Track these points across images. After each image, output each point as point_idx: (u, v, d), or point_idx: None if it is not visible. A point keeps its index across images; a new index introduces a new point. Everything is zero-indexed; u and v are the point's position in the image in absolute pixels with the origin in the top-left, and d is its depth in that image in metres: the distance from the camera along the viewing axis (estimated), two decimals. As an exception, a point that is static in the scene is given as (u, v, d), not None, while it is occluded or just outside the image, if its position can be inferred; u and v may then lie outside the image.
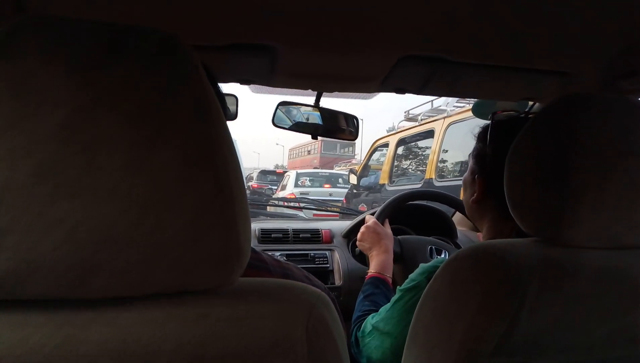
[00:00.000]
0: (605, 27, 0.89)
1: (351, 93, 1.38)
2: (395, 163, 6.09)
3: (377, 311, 1.07)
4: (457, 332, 0.57)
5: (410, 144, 5.99)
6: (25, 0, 0.76)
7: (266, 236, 1.73)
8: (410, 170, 6.01)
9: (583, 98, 0.62)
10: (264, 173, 15.68)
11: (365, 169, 7.02)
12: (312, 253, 1.69)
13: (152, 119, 0.37)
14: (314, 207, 3.29)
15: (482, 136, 0.95)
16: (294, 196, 8.55)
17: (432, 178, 4.74)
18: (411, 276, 0.95)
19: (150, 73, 0.38)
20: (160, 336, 0.38)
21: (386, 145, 6.42)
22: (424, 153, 5.61)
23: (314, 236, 1.78)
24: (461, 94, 1.41)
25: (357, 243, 1.44)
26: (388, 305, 0.99)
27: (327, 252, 1.71)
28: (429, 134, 5.15)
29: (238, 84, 1.25)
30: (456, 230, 1.79)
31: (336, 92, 1.36)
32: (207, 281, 0.40)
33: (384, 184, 6.04)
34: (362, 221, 1.78)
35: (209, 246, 0.38)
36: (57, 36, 0.37)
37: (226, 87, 1.14)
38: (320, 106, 1.45)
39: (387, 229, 1.44)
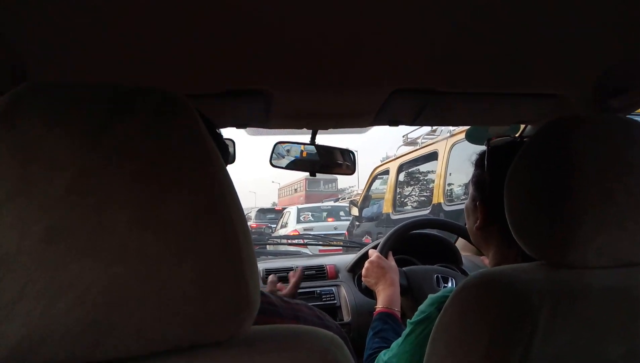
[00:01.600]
0: (591, 49, 0.91)
1: (346, 128, 1.40)
2: (398, 190, 5.78)
3: (388, 347, 1.05)
4: (473, 362, 0.56)
5: (412, 169, 5.69)
6: (25, 69, 0.78)
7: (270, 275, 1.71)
8: (414, 196, 5.70)
9: (575, 120, 0.63)
10: (262, 211, 15.57)
11: (366, 199, 6.77)
12: (318, 290, 1.68)
13: (157, 175, 0.37)
14: (318, 243, 3.26)
15: (479, 163, 0.96)
16: (297, 233, 8.31)
17: (441, 202, 4.48)
18: (420, 307, 0.94)
19: (152, 131, 0.39)
20: None
21: (386, 172, 6.10)
22: (427, 177, 5.38)
23: (319, 272, 1.76)
24: (454, 122, 1.44)
25: (363, 279, 1.42)
26: (400, 340, 0.97)
27: (333, 288, 1.69)
28: (432, 156, 4.86)
29: (234, 128, 1.27)
30: (461, 256, 1.78)
31: (331, 129, 1.38)
32: (218, 334, 0.40)
33: (387, 214, 5.75)
34: (366, 254, 1.77)
35: (219, 299, 0.38)
36: (60, 101, 0.38)
37: (223, 132, 1.16)
38: (316, 143, 1.46)
39: (391, 261, 1.43)
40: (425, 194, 5.33)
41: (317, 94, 1.06)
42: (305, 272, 1.74)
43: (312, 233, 8.08)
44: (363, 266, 1.44)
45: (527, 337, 0.54)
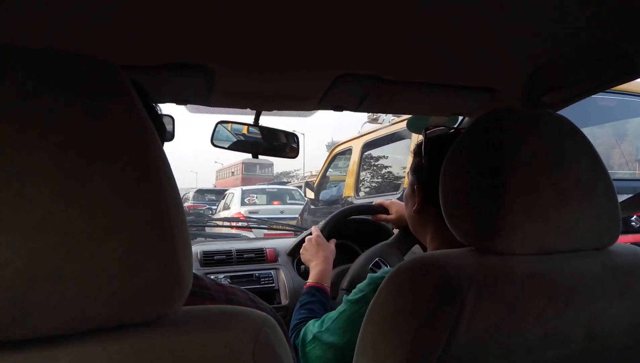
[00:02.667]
0: (525, 46, 0.95)
1: (290, 111, 1.39)
2: (362, 172, 5.04)
3: (314, 317, 1.07)
4: (404, 343, 0.58)
5: (379, 149, 4.91)
6: None
7: (209, 258, 1.69)
8: (381, 179, 4.95)
9: (508, 113, 0.65)
10: (200, 192, 14.90)
11: (324, 181, 5.94)
12: (257, 273, 1.67)
13: (83, 147, 0.35)
14: (265, 226, 3.23)
15: (417, 151, 1.00)
16: (241, 216, 7.87)
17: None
18: (359, 286, 0.96)
19: (80, 100, 0.36)
20: None
21: (348, 151, 5.27)
22: (397, 159, 4.62)
23: (258, 256, 1.75)
24: (397, 110, 1.47)
25: (300, 255, 1.45)
26: (333, 315, 0.99)
27: (272, 272, 1.69)
28: (403, 135, 4.21)
29: (174, 104, 1.22)
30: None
31: (275, 111, 1.37)
32: (147, 314, 0.38)
33: (348, 197, 5.01)
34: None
35: (147, 277, 0.37)
36: None
37: (162, 107, 1.12)
38: (260, 124, 1.44)
39: (331, 243, 1.45)
40: (394, 177, 4.69)
41: (261, 73, 1.04)
42: (244, 255, 1.73)
43: (257, 216, 7.92)
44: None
45: (455, 319, 0.56)
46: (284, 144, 1.55)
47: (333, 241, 1.48)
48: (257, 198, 10.19)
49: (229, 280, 1.61)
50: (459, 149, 0.68)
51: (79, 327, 0.36)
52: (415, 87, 1.14)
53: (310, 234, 1.54)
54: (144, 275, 0.37)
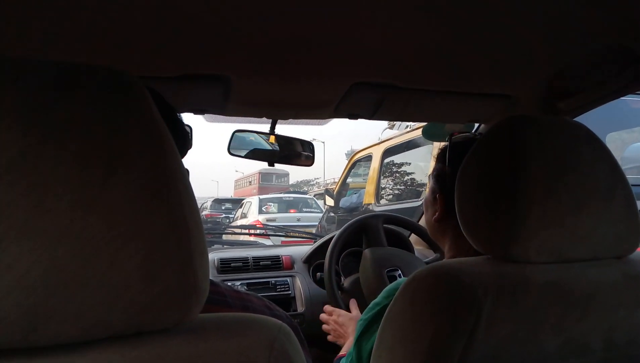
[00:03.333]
0: (541, 52, 0.95)
1: (305, 120, 1.40)
2: (383, 179, 4.90)
3: None
4: (420, 351, 0.58)
5: (399, 155, 4.80)
6: None
7: (225, 265, 1.70)
8: (402, 186, 4.89)
9: (524, 120, 0.65)
10: (217, 201, 15.60)
11: (344, 188, 5.85)
12: (273, 280, 1.68)
13: (102, 157, 0.36)
14: (282, 234, 3.23)
15: (441, 157, 0.98)
16: (259, 223, 7.99)
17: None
18: (375, 300, 0.94)
19: (99, 111, 0.37)
20: None
21: (369, 158, 5.15)
22: (419, 165, 4.55)
23: (275, 263, 1.76)
24: (411, 118, 1.47)
25: (331, 337, 1.40)
26: (352, 341, 0.95)
27: (288, 279, 1.70)
28: (423, 142, 4.06)
29: (192, 114, 1.24)
30: (414, 249, 1.83)
31: (291, 119, 1.38)
32: (164, 321, 0.39)
33: (369, 205, 4.90)
34: (323, 245, 1.78)
35: (165, 285, 0.37)
36: (2, 76, 0.36)
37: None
38: (276, 133, 1.46)
39: (353, 310, 1.41)
40: (415, 183, 4.64)
41: (277, 82, 1.05)
42: (261, 262, 1.74)
43: (274, 224, 8.01)
44: (319, 257, 1.44)
45: (471, 327, 0.56)
46: (299, 153, 1.56)
47: (354, 304, 1.44)
48: (273, 206, 10.30)
49: (245, 287, 1.61)
50: (475, 156, 0.68)
51: (97, 334, 0.37)
52: (431, 94, 1.14)
53: (325, 241, 1.53)
54: (161, 283, 0.37)
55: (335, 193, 5.81)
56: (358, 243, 1.66)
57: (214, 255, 1.75)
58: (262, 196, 11.17)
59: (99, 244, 0.35)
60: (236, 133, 1.49)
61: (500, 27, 0.84)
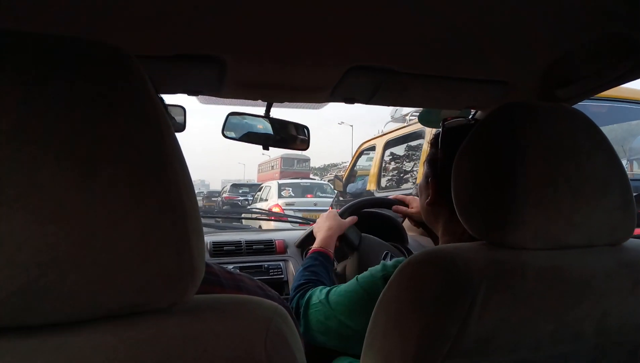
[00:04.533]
0: (540, 39, 0.94)
1: (301, 103, 1.39)
2: (383, 167, 5.57)
3: (317, 280, 1.12)
4: (413, 336, 0.58)
5: (398, 147, 5.43)
6: None
7: (218, 249, 1.70)
8: (399, 174, 5.42)
9: (522, 106, 0.65)
10: (235, 186, 18.15)
11: (352, 175, 6.54)
12: (266, 264, 1.68)
13: (97, 134, 0.35)
14: (300, 218, 3.27)
15: (434, 142, 0.98)
16: (279, 207, 8.90)
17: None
18: (371, 269, 0.98)
19: (94, 86, 0.36)
20: (112, 361, 0.36)
21: (373, 148, 5.81)
22: (413, 156, 5.09)
23: (268, 247, 1.76)
24: (408, 103, 1.46)
25: (313, 229, 1.48)
26: (341, 289, 1.01)
27: (281, 263, 1.70)
28: (419, 135, 4.69)
29: (186, 95, 1.22)
30: (407, 235, 1.83)
31: (286, 102, 1.37)
32: (159, 301, 0.39)
33: (371, 191, 5.55)
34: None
35: (160, 264, 0.37)
36: None
37: (174, 98, 1.13)
38: (271, 116, 1.44)
39: (345, 220, 1.46)
40: (410, 172, 5.14)
41: (273, 65, 1.04)
42: (254, 246, 1.74)
43: (293, 207, 8.82)
44: (312, 242, 1.45)
45: (465, 313, 0.56)
46: (294, 136, 1.55)
47: (352, 218, 1.48)
48: (291, 191, 10.86)
49: (238, 270, 1.61)
50: (472, 142, 0.68)
51: (92, 313, 0.37)
52: (428, 80, 1.13)
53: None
54: (156, 263, 0.37)
55: (344, 179, 6.45)
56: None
57: (207, 239, 1.75)
58: (280, 181, 11.85)
59: (94, 222, 0.34)
60: (230, 116, 1.47)
61: (498, 13, 0.83)
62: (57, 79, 0.35)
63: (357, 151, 6.47)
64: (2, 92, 0.33)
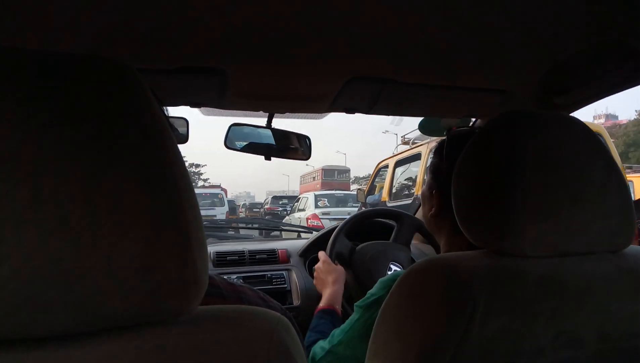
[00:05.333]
0: (538, 48, 0.95)
1: (302, 113, 1.40)
2: (394, 182, 7.05)
3: (323, 338, 1.04)
4: (415, 344, 0.58)
5: (404, 166, 6.92)
6: None
7: (222, 259, 1.70)
8: (404, 188, 6.88)
9: (520, 115, 0.65)
10: (276, 198, 20.83)
11: (372, 188, 8.03)
12: (269, 274, 1.68)
13: (100, 147, 0.36)
14: (304, 228, 3.31)
15: (438, 152, 0.96)
16: (317, 216, 10.17)
17: (418, 195, 5.21)
18: (371, 291, 0.94)
19: (96, 101, 0.37)
20: None
21: (387, 166, 7.41)
22: (414, 173, 6.50)
23: (270, 256, 1.76)
24: (408, 113, 1.47)
25: (315, 283, 1.44)
26: (345, 326, 0.96)
27: (284, 272, 1.70)
28: (417, 156, 6.17)
29: (188, 107, 1.24)
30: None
31: (288, 113, 1.38)
32: (163, 312, 0.39)
33: (384, 201, 6.78)
34: (318, 239, 1.78)
35: (164, 276, 0.37)
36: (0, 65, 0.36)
37: (177, 110, 1.14)
38: (273, 126, 1.45)
39: (338, 266, 1.44)
40: (411, 186, 6.51)
41: (273, 76, 1.05)
42: (257, 256, 1.74)
43: (329, 217, 9.88)
44: (314, 250, 1.45)
45: (467, 321, 0.56)
46: (296, 147, 1.56)
47: (337, 263, 1.47)
48: (327, 201, 12.21)
49: (241, 280, 1.61)
50: (471, 151, 0.68)
51: (96, 325, 0.37)
52: (427, 89, 1.14)
53: (320, 235, 1.54)
54: (160, 274, 0.37)
55: (366, 192, 7.96)
56: (354, 237, 1.67)
57: (211, 249, 1.75)
58: (317, 193, 13.33)
59: (97, 235, 0.35)
60: (233, 126, 1.48)
61: (496, 22, 0.84)
62: (60, 94, 0.36)
63: (375, 168, 7.98)
64: (6, 108, 0.34)
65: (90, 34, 0.83)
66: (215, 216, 14.55)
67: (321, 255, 1.48)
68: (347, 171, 29.06)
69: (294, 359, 0.44)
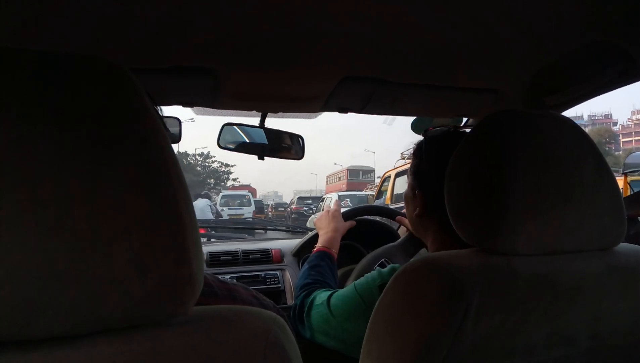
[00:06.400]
0: (528, 48, 0.96)
1: (295, 113, 1.40)
2: (394, 190, 9.56)
3: (323, 281, 1.13)
4: (409, 343, 0.59)
5: (403, 177, 8.81)
6: None
7: (215, 259, 1.69)
8: (402, 194, 8.66)
9: (511, 114, 0.66)
10: (301, 198, 22.60)
11: (380, 193, 10.75)
12: (262, 274, 1.67)
13: (97, 148, 0.36)
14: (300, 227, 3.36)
15: (417, 153, 0.97)
16: None
17: None
18: (366, 275, 0.96)
19: (91, 101, 0.37)
20: None
21: (390, 177, 10.04)
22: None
23: (264, 256, 1.76)
24: (400, 112, 1.47)
25: (314, 223, 1.48)
26: (339, 294, 1.00)
27: (277, 272, 1.70)
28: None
29: (180, 106, 1.23)
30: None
31: (281, 113, 1.38)
32: (159, 314, 0.39)
33: (387, 205, 8.61)
34: (311, 239, 1.79)
35: (160, 277, 0.37)
36: None
37: (169, 109, 1.14)
38: (265, 126, 1.45)
39: (345, 223, 1.46)
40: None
41: (266, 76, 1.05)
42: (250, 256, 1.74)
43: None
44: (308, 250, 1.45)
45: (460, 319, 0.56)
46: (289, 146, 1.56)
47: (350, 222, 1.49)
48: (349, 201, 13.86)
49: (235, 280, 1.61)
50: (463, 151, 0.69)
51: (91, 326, 0.37)
52: (419, 89, 1.15)
53: (314, 234, 1.54)
54: (156, 275, 0.37)
55: (375, 196, 10.82)
56: (350, 237, 1.67)
57: (204, 249, 1.74)
58: (340, 193, 15.72)
59: (93, 236, 0.35)
60: (226, 126, 1.48)
61: (487, 23, 0.84)
62: (55, 94, 0.36)
63: (382, 177, 11.03)
64: (2, 108, 0.34)
65: (83, 34, 0.82)
66: (243, 214, 15.33)
67: (336, 203, 1.50)
68: (372, 171, 30.17)
69: (290, 359, 0.44)
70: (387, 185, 10.34)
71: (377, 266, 1.47)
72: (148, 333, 0.39)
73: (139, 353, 0.38)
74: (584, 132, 0.67)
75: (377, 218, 1.87)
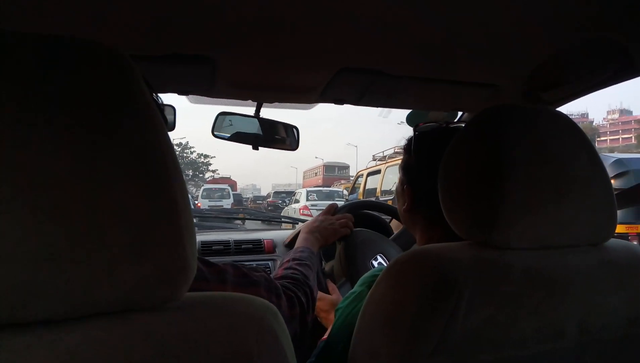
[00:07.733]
0: (526, 43, 0.96)
1: (291, 103, 1.39)
2: (366, 187, 10.70)
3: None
4: (399, 334, 0.59)
5: (373, 176, 10.43)
6: None
7: (207, 248, 1.69)
8: (373, 191, 10.19)
9: (508, 109, 0.66)
10: (277, 193, 24.88)
11: (354, 189, 11.84)
12: (254, 264, 1.68)
13: (93, 132, 0.36)
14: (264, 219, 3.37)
15: (407, 148, 0.97)
16: (307, 208, 13.05)
17: (378, 196, 9.40)
18: (352, 290, 0.92)
19: (90, 86, 0.37)
20: (106, 358, 0.36)
21: (362, 175, 11.22)
22: (375, 181, 10.19)
23: (256, 246, 1.76)
24: (397, 104, 1.47)
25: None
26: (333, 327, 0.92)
27: (269, 262, 1.70)
28: (378, 172, 10.08)
29: (176, 94, 1.22)
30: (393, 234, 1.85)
31: (276, 103, 1.37)
32: (153, 299, 0.39)
33: (360, 199, 9.40)
34: None
35: (154, 262, 0.37)
36: None
37: (164, 97, 1.13)
38: (260, 116, 1.44)
39: (331, 293, 1.37)
40: (375, 190, 10.05)
41: (263, 65, 1.04)
42: (242, 246, 1.74)
43: (317, 208, 12.05)
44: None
45: (451, 311, 0.57)
46: (284, 137, 1.55)
47: (333, 288, 1.40)
48: (316, 195, 14.91)
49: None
50: (458, 144, 0.69)
51: (85, 310, 0.37)
52: (416, 82, 1.15)
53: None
54: (150, 261, 0.37)
55: (349, 191, 11.89)
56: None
57: (196, 238, 1.74)
58: (308, 188, 16.70)
59: (89, 220, 0.35)
60: (220, 115, 1.47)
61: (486, 17, 0.84)
62: (54, 79, 0.36)
63: (356, 176, 12.11)
64: (0, 92, 0.34)
65: (80, 20, 0.81)
66: (222, 206, 18.19)
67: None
68: (347, 167, 31.86)
69: (282, 346, 0.44)
70: (360, 182, 11.51)
71: (372, 260, 1.47)
72: (142, 318, 0.39)
73: (134, 337, 0.38)
74: (578, 127, 0.67)
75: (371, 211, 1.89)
